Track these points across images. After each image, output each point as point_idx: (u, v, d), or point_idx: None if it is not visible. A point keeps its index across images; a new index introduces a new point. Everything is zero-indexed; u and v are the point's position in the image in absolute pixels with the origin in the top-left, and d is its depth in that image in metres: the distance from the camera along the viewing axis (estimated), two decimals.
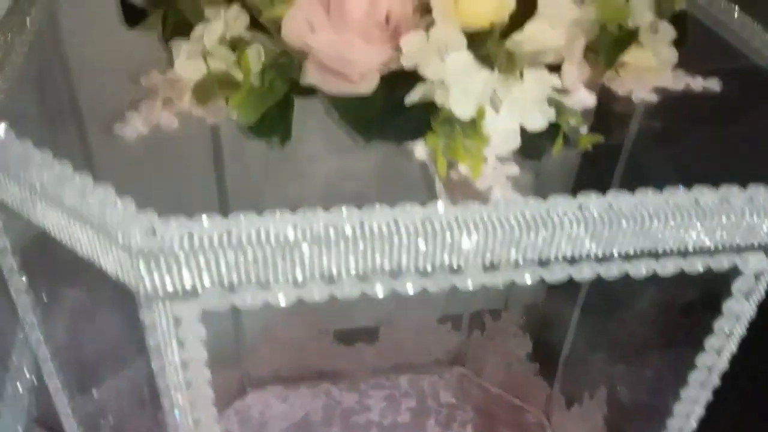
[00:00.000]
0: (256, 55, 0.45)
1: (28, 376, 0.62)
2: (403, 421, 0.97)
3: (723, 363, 0.48)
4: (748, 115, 0.51)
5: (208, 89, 0.42)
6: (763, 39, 0.57)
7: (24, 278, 0.54)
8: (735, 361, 0.50)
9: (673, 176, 0.49)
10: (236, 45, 0.45)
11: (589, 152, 0.55)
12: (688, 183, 0.41)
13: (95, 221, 0.35)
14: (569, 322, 0.98)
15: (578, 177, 0.57)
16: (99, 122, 0.43)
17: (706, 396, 0.50)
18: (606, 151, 0.52)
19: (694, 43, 0.56)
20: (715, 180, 0.41)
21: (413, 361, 1.08)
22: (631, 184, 0.40)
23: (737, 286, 0.45)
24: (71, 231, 0.36)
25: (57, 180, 0.36)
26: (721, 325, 0.47)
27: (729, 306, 0.46)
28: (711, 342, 0.48)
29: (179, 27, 0.46)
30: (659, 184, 0.41)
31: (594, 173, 0.52)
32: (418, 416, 0.99)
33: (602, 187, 0.40)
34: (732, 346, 0.48)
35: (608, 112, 0.54)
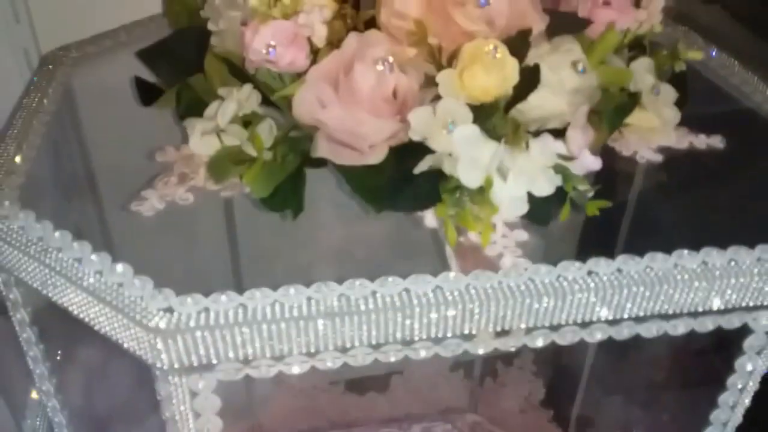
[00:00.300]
0: (268, 130, 0.46)
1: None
2: None
3: (737, 418, 0.48)
4: (753, 172, 0.52)
5: (222, 165, 0.44)
6: (764, 94, 0.59)
7: (35, 330, 0.54)
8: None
9: (678, 235, 0.50)
10: (249, 120, 0.47)
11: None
12: (694, 242, 0.42)
13: (113, 300, 0.36)
14: (583, 367, 0.97)
15: (582, 236, 0.58)
16: (116, 199, 0.44)
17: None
18: (610, 210, 0.52)
19: (699, 99, 0.57)
20: (721, 240, 0.42)
21: (425, 409, 1.07)
22: (635, 242, 0.41)
23: (749, 343, 0.45)
24: (89, 310, 0.37)
25: (76, 261, 0.37)
26: (734, 380, 0.47)
27: (741, 363, 0.46)
28: (725, 397, 0.47)
29: (193, 104, 0.47)
30: (665, 245, 0.42)
31: (598, 231, 0.52)
32: None
33: (606, 245, 0.40)
34: (745, 401, 0.48)
35: (612, 170, 0.55)
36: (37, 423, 0.65)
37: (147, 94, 0.49)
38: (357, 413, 1.04)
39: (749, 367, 0.46)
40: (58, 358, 0.60)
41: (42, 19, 0.71)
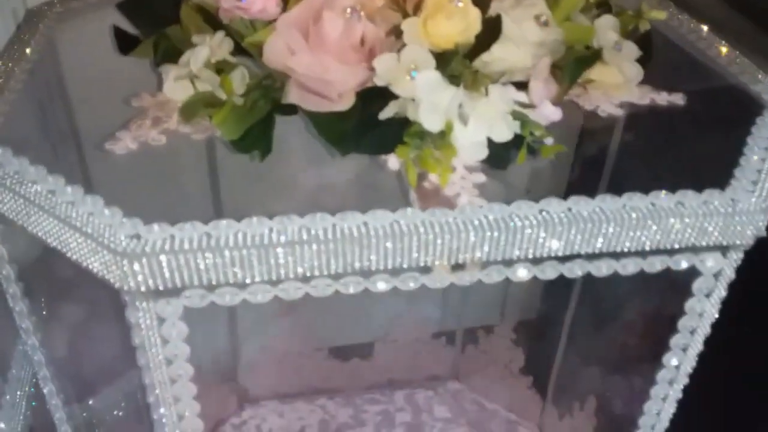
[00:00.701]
0: (240, 77, 0.48)
1: (26, 386, 0.65)
2: None
3: (690, 361, 0.50)
4: (711, 126, 0.54)
5: (193, 108, 0.45)
6: (730, 57, 0.60)
7: (21, 286, 0.56)
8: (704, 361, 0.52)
9: (634, 180, 0.52)
10: (222, 68, 0.48)
11: (579, 162, 0.57)
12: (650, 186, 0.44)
13: (84, 227, 0.38)
14: (560, 336, 1.00)
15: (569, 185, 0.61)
16: (93, 140, 0.46)
17: (675, 395, 0.52)
18: (593, 161, 0.54)
19: (664, 61, 0.59)
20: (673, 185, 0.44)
21: (408, 376, 1.09)
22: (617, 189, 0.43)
23: (697, 285, 0.47)
24: (62, 237, 0.39)
25: (50, 192, 0.39)
26: (684, 323, 0.49)
27: (691, 305, 0.48)
28: (676, 340, 0.49)
29: (169, 53, 0.49)
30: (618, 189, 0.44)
31: (584, 181, 0.54)
32: (413, 431, 1.00)
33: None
34: (697, 345, 0.50)
35: (592, 126, 0.56)
36: (22, 374, 0.67)
37: (125, 43, 0.51)
38: (340, 379, 1.07)
39: (698, 309, 0.48)
40: (44, 312, 0.62)
41: None
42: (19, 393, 0.64)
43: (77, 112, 0.54)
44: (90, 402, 0.66)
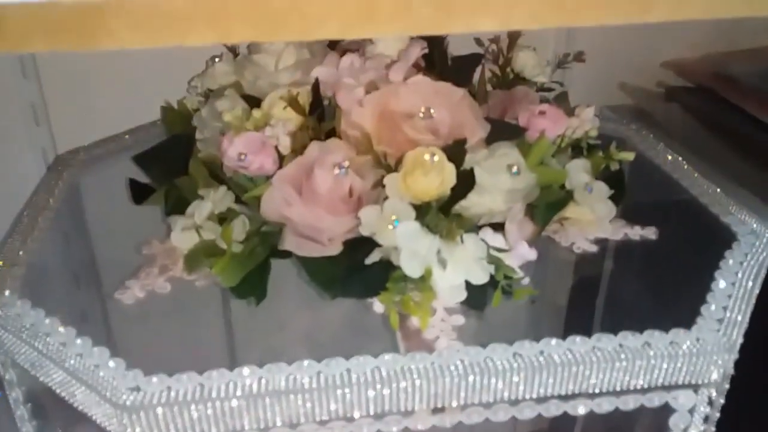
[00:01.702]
0: (241, 225, 0.53)
1: None
2: None
3: None
4: (678, 261, 0.57)
5: (196, 257, 0.50)
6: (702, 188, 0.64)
7: (29, 407, 0.59)
8: None
9: (604, 318, 0.54)
10: (226, 216, 0.53)
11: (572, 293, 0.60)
12: (623, 325, 0.46)
13: (89, 380, 0.41)
14: None
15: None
16: (107, 288, 0.51)
17: None
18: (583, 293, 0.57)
19: (637, 194, 0.63)
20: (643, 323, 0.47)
21: None
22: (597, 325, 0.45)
23: (673, 421, 0.49)
24: (70, 388, 0.42)
25: (61, 344, 0.43)
26: None
27: None
28: None
29: (179, 203, 0.54)
30: (588, 328, 0.46)
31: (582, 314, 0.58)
32: None
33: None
34: None
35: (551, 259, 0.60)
36: None
37: (139, 193, 0.56)
38: None
39: None
40: None
41: (60, 122, 0.80)
42: None
43: (94, 259, 0.59)
44: None
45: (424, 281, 0.49)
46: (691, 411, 0.48)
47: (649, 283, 0.56)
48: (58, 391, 0.43)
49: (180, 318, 0.51)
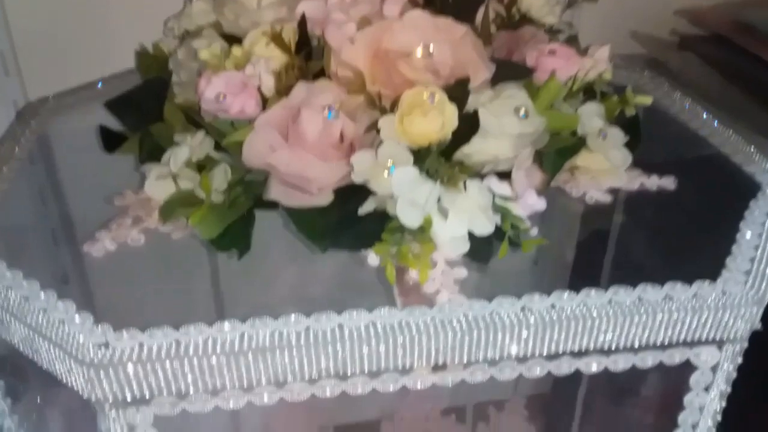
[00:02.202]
0: (222, 173, 0.48)
1: None
2: None
3: None
4: (703, 211, 0.53)
5: (171, 208, 0.45)
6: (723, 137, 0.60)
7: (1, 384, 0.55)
8: None
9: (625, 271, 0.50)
10: (206, 164, 0.49)
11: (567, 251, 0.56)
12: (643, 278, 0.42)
13: (54, 336, 0.37)
14: (574, 411, 0.96)
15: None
16: (76, 241, 0.46)
17: None
18: (585, 250, 0.53)
19: (655, 143, 0.59)
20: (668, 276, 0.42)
21: None
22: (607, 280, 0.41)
23: (695, 379, 0.45)
24: (33, 345, 0.38)
25: (23, 298, 0.39)
26: (685, 418, 0.46)
27: (690, 399, 0.46)
28: None
29: (153, 151, 0.50)
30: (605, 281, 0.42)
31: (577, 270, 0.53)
32: None
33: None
34: None
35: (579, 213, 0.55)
36: None
37: (110, 141, 0.52)
38: None
39: (698, 404, 0.46)
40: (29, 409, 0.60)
41: (31, 72, 0.75)
42: None
43: (63, 212, 0.54)
44: None
45: (423, 232, 0.45)
46: (714, 369, 0.45)
47: (668, 235, 0.52)
48: (21, 348, 0.39)
49: (155, 273, 0.47)
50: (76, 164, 0.56)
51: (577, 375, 1.03)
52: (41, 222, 0.53)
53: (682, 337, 0.42)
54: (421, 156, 0.45)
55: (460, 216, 0.45)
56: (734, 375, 0.46)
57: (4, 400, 0.57)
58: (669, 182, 0.56)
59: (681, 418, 0.47)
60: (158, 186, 0.47)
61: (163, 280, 0.46)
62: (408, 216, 0.44)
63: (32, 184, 0.54)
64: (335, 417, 1.04)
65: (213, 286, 0.49)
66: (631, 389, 0.94)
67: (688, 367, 0.45)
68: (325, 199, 0.47)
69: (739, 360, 0.45)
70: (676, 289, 0.42)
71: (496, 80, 0.51)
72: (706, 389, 0.45)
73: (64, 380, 0.38)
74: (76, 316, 0.38)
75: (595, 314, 0.41)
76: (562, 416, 0.97)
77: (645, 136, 0.57)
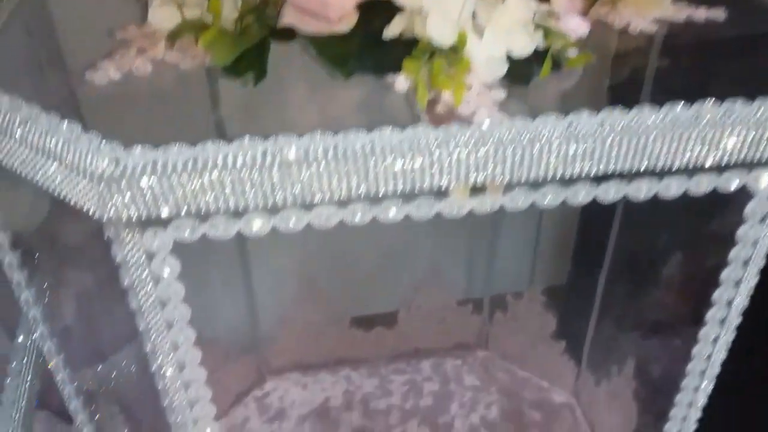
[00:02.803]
0: (232, 2, 0.44)
1: (32, 354, 0.62)
2: (425, 404, 0.95)
3: (742, 297, 0.45)
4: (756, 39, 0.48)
5: (179, 32, 0.41)
6: None
7: (17, 255, 0.54)
8: None
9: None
10: None
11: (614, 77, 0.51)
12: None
13: (61, 156, 0.34)
14: (594, 297, 0.94)
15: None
16: (77, 72, 0.43)
17: (726, 337, 0.47)
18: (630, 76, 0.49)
19: None
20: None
21: (434, 345, 1.05)
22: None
23: (750, 208, 0.42)
24: (40, 169, 0.35)
25: (23, 121, 0.36)
26: (737, 253, 0.43)
27: (743, 232, 0.43)
28: (728, 273, 0.44)
29: None
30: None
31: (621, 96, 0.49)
32: (442, 400, 0.96)
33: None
34: (752, 276, 0.44)
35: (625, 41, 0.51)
36: (28, 342, 0.64)
37: None
38: (364, 349, 1.03)
39: (752, 237, 0.43)
40: (45, 282, 0.59)
41: None
42: (25, 360, 0.62)
43: (62, 43, 0.50)
44: (98, 370, 0.63)
45: (456, 52, 0.41)
46: None
47: (724, 58, 0.47)
48: (25, 174, 0.36)
49: (165, 103, 0.43)
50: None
51: (594, 264, 1.00)
52: (37, 56, 0.49)
53: (742, 155, 0.39)
54: None
55: (498, 33, 0.40)
56: None
57: (20, 272, 0.56)
58: (718, 14, 0.51)
59: (732, 253, 0.44)
60: (163, 14, 0.43)
61: (174, 107, 0.43)
62: (440, 32, 0.40)
63: (31, 15, 0.50)
64: (351, 309, 1.04)
65: (222, 121, 0.45)
66: (655, 271, 0.92)
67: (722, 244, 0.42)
68: (347, 25, 0.43)
69: None
70: (737, 106, 0.38)
71: None
72: (762, 220, 0.42)
73: (75, 203, 0.35)
74: (84, 135, 0.35)
75: (648, 131, 0.37)
76: (583, 302, 0.96)
77: None
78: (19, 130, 0.35)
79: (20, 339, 0.64)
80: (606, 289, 0.92)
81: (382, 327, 1.03)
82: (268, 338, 0.99)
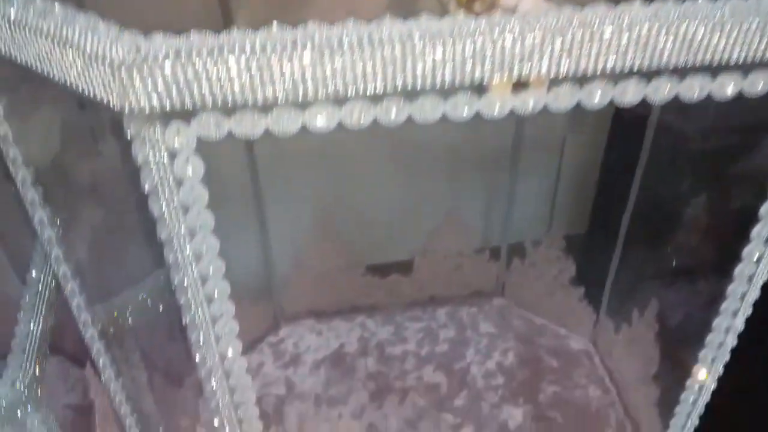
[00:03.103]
0: None
1: (45, 288, 0.61)
2: (441, 350, 0.94)
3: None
4: None
5: None
6: None
7: (40, 191, 0.52)
8: None
9: None
10: None
11: None
12: None
13: (81, 44, 0.32)
14: (615, 244, 0.92)
15: None
16: None
17: (763, 276, 0.45)
18: None
19: None
20: None
21: (450, 292, 1.04)
22: None
23: None
24: (56, 61, 0.33)
25: (38, 15, 0.33)
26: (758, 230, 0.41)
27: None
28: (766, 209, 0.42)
29: None
30: None
31: None
32: (457, 346, 0.95)
33: None
34: None
35: None
36: (42, 276, 0.63)
37: None
38: (379, 297, 1.02)
39: None
40: (62, 214, 0.58)
41: None
42: (38, 294, 0.60)
43: None
44: (114, 301, 0.62)
45: None
46: None
47: None
48: (40, 68, 0.34)
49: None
50: None
51: (615, 212, 0.97)
52: None
53: None
54: None
55: None
56: None
57: (43, 209, 0.54)
58: None
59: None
60: None
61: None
62: None
63: None
64: (367, 257, 1.02)
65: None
66: (678, 216, 0.90)
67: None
68: None
69: None
70: None
71: None
72: None
73: (93, 94, 0.32)
74: (102, 23, 0.32)
75: (704, 22, 0.34)
76: (602, 247, 0.94)
77: None
78: (34, 22, 0.33)
79: (33, 274, 0.63)
80: (628, 235, 0.90)
81: (397, 274, 1.01)
82: (284, 285, 0.97)
